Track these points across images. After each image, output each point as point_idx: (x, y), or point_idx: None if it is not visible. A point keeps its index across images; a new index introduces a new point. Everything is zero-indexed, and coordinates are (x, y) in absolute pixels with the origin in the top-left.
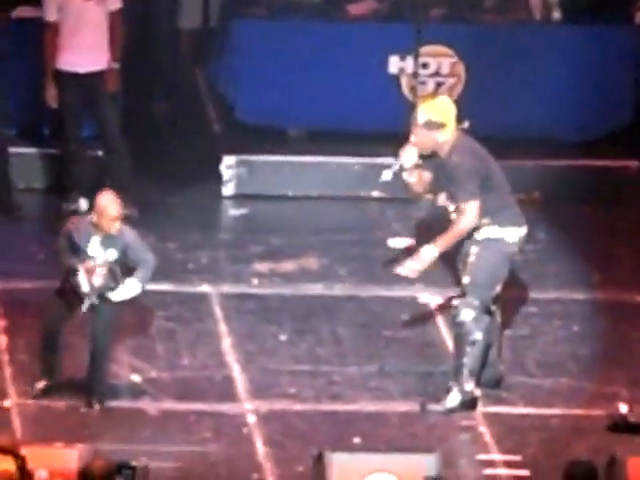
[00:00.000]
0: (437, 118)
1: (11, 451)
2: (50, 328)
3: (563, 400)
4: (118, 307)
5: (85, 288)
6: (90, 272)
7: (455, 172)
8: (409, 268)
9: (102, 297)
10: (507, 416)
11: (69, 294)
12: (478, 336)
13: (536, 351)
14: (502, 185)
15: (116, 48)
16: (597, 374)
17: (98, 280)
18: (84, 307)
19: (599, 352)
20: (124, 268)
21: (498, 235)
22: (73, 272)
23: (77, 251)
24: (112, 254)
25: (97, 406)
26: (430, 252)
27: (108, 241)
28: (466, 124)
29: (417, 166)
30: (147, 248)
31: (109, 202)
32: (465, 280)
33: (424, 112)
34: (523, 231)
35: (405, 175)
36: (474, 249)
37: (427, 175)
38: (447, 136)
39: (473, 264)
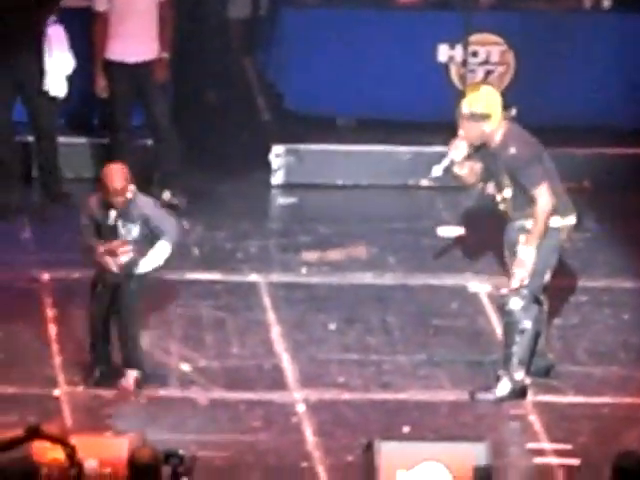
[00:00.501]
0: (481, 109)
1: (61, 440)
2: (95, 316)
3: (613, 389)
4: (143, 290)
5: (113, 267)
6: (113, 251)
7: (516, 163)
8: (519, 278)
9: (130, 275)
10: (557, 405)
11: (102, 277)
12: (527, 325)
13: (586, 340)
14: (552, 174)
15: (166, 38)
16: None
17: (124, 258)
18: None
19: None
20: (148, 239)
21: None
22: (97, 253)
23: (99, 228)
24: (133, 227)
25: (138, 389)
26: (528, 253)
27: (125, 214)
28: (513, 111)
29: (467, 158)
30: (166, 213)
31: (109, 175)
32: (514, 269)
33: (468, 104)
34: (572, 220)
35: (456, 169)
36: (523, 238)
37: (477, 166)
38: (493, 126)
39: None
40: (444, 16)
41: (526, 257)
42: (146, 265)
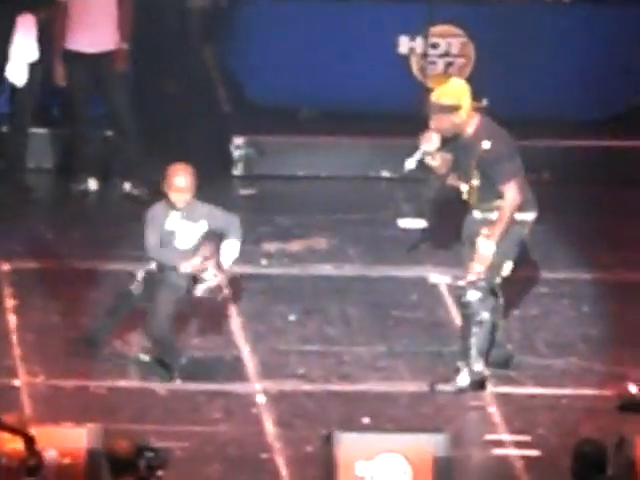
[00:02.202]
0: (450, 101)
1: (20, 430)
2: (123, 295)
3: (573, 380)
4: (177, 295)
5: (209, 277)
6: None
7: (489, 157)
8: (475, 272)
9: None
10: (517, 396)
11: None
12: (485, 316)
13: (546, 331)
14: (520, 169)
15: (125, 28)
16: (607, 354)
17: (211, 272)
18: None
19: (609, 333)
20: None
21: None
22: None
23: (163, 234)
24: (200, 225)
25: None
26: (489, 247)
27: (191, 215)
28: (484, 102)
29: (438, 149)
30: (225, 211)
31: (175, 174)
32: (473, 262)
33: (436, 97)
34: (533, 215)
35: (428, 160)
36: (485, 231)
37: (448, 156)
38: (463, 117)
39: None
40: (405, 8)
41: (486, 251)
42: (225, 262)
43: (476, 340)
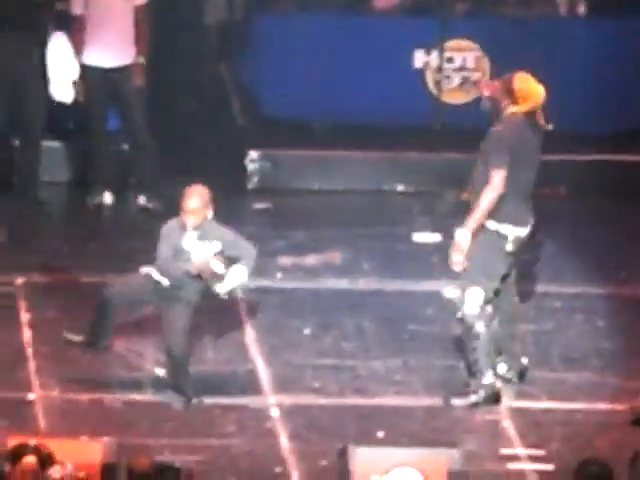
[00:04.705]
0: (520, 87)
1: (35, 444)
2: (112, 294)
3: (587, 395)
4: (193, 310)
5: (219, 270)
6: (203, 268)
7: (491, 138)
8: (455, 262)
9: (178, 297)
10: (531, 410)
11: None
12: (480, 328)
13: (560, 346)
14: (524, 183)
15: (142, 43)
16: (621, 369)
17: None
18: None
19: (623, 347)
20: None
21: (492, 228)
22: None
23: (176, 252)
24: (214, 245)
25: (197, 400)
26: (464, 235)
27: (205, 235)
28: (549, 126)
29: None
30: (243, 239)
31: (186, 195)
32: (452, 253)
33: (519, 79)
34: (524, 232)
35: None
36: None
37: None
38: (512, 107)
39: (467, 256)
40: (420, 22)
41: (461, 240)
42: (223, 287)
43: (478, 353)
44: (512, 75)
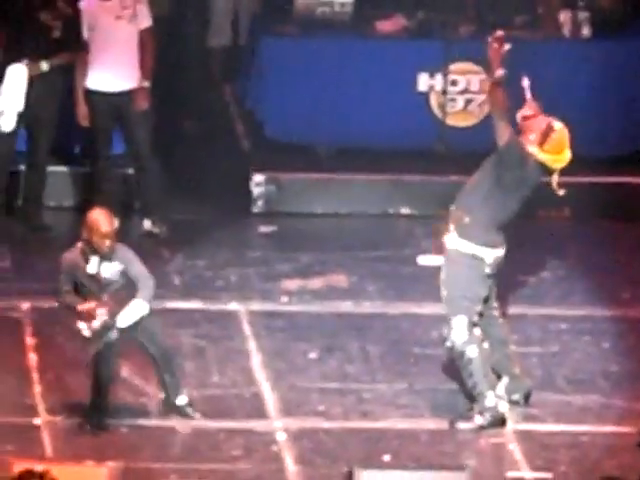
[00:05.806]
0: (558, 140)
1: (41, 470)
2: (104, 376)
3: (594, 417)
4: (157, 318)
5: (86, 333)
6: (90, 314)
7: (499, 150)
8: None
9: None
10: (537, 433)
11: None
12: (471, 353)
13: (566, 368)
14: (510, 213)
15: (147, 66)
16: (628, 391)
17: (102, 318)
18: (97, 345)
19: (629, 369)
20: (127, 288)
21: (468, 251)
22: (77, 314)
23: (78, 278)
24: (114, 271)
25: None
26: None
27: (108, 260)
28: (560, 192)
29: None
30: (143, 266)
31: (99, 218)
32: (443, 300)
33: (562, 132)
34: (500, 252)
35: None
36: (444, 264)
37: None
38: (535, 146)
39: (444, 282)
40: (424, 45)
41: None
42: (123, 321)
43: (474, 379)
44: (559, 123)
